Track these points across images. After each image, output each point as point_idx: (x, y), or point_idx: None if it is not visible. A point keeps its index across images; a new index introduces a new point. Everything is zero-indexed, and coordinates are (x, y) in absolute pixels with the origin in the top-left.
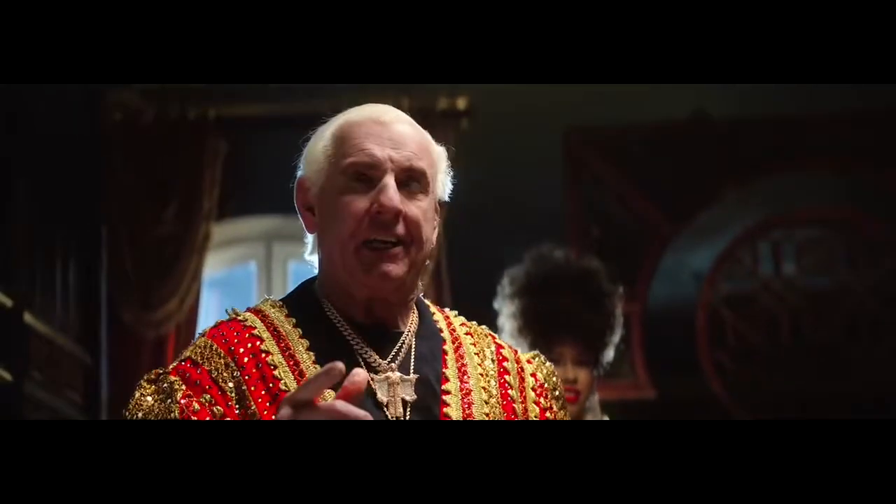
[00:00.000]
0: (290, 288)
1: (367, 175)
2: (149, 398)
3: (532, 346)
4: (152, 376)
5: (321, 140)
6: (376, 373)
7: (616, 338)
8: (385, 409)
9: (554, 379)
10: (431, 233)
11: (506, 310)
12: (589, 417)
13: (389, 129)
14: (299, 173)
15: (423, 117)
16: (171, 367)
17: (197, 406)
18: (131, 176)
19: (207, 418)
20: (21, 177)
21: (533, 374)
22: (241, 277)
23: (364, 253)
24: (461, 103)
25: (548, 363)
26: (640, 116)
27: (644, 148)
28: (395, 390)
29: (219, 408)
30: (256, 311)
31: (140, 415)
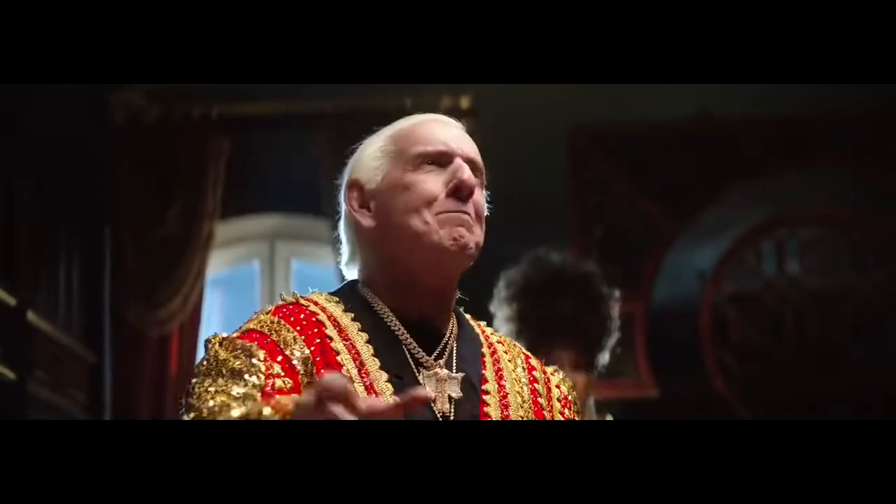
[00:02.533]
0: (294, 286)
1: (438, 161)
2: (223, 353)
3: (528, 350)
4: (217, 340)
5: (375, 143)
6: (425, 369)
7: (612, 341)
8: (433, 404)
9: (574, 394)
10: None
11: (501, 313)
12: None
13: (451, 127)
14: (347, 178)
15: None
16: (234, 335)
17: (278, 367)
18: (135, 175)
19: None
20: (24, 176)
21: (557, 386)
22: (245, 276)
23: (443, 216)
24: (465, 103)
25: (567, 379)
26: (644, 116)
27: (647, 147)
28: (443, 387)
29: (287, 380)
30: (314, 302)
31: (223, 370)
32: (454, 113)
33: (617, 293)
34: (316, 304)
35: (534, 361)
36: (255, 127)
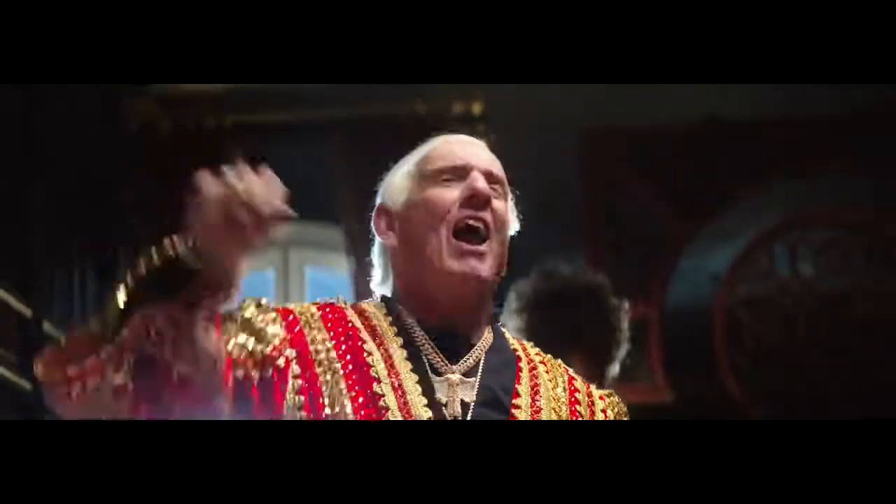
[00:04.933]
0: (307, 294)
1: (455, 174)
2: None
3: None
4: (254, 301)
5: (401, 167)
6: (439, 374)
7: (622, 353)
8: (444, 408)
9: (625, 419)
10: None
11: (511, 325)
12: None
13: (471, 145)
14: (377, 202)
15: (438, 122)
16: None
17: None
18: (148, 184)
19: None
20: (39, 187)
21: (604, 411)
22: (259, 283)
23: (454, 243)
24: (476, 108)
25: (621, 403)
26: (657, 119)
27: (661, 150)
28: (455, 391)
29: (297, 367)
30: (360, 311)
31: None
32: (465, 118)
33: (626, 305)
34: (360, 311)
35: (578, 384)
36: (267, 135)
